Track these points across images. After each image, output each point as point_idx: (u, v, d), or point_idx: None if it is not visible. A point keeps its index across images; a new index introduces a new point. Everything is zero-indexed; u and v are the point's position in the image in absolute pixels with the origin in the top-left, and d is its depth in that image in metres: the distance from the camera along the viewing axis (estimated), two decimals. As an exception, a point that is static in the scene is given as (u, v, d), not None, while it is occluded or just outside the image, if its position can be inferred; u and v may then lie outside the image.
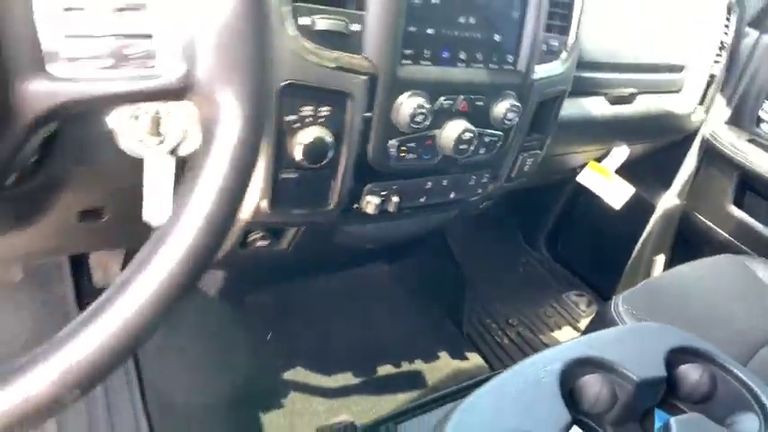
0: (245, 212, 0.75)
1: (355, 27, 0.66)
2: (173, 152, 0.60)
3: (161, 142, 0.58)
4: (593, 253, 1.70)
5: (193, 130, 0.60)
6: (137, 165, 0.61)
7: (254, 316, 1.22)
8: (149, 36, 0.32)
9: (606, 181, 1.30)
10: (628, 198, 1.30)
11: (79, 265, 1.16)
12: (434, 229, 1.08)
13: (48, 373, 0.28)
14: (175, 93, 0.33)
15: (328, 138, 0.68)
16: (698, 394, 0.69)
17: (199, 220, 0.34)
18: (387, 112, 0.72)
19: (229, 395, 1.03)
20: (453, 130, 0.77)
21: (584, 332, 1.16)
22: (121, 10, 0.31)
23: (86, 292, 1.15)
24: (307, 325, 1.27)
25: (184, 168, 0.59)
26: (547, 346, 1.48)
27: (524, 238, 1.87)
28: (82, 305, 1.15)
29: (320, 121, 0.67)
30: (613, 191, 1.30)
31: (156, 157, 0.58)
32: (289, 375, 1.16)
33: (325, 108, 0.67)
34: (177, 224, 0.34)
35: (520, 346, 1.52)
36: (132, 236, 0.82)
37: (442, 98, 0.76)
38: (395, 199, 0.81)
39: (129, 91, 0.32)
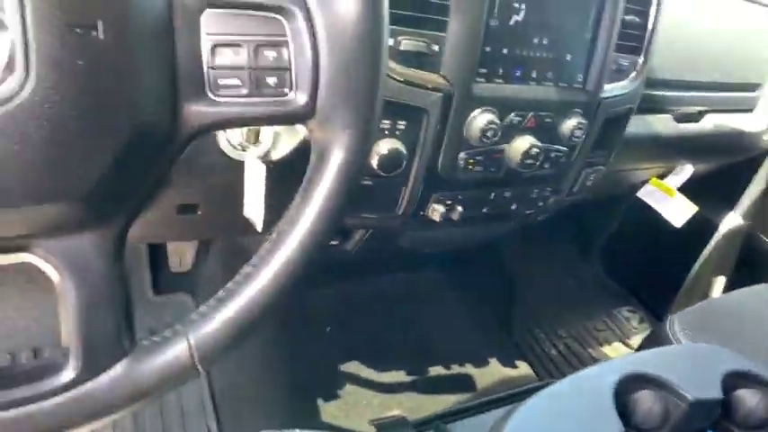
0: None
1: (435, 48, 0.70)
2: (265, 158, 0.67)
3: (258, 148, 0.64)
4: (648, 270, 1.68)
5: (284, 140, 0.66)
6: (229, 166, 0.68)
7: (315, 310, 1.28)
8: (287, 69, 0.37)
9: (668, 198, 1.29)
10: (689, 216, 1.29)
11: (156, 252, 1.26)
12: (492, 238, 1.11)
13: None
14: (299, 118, 0.39)
15: (403, 149, 0.73)
16: (754, 420, 0.69)
17: (313, 226, 0.39)
18: (459, 126, 0.76)
19: (290, 383, 1.10)
20: (521, 146, 0.80)
21: (638, 349, 1.16)
22: (263, 46, 0.36)
23: (162, 277, 1.25)
24: (363, 322, 1.33)
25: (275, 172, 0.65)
26: (595, 360, 1.49)
27: (578, 252, 1.86)
28: (157, 288, 1.25)
29: (396, 133, 0.72)
30: (675, 209, 1.29)
31: (254, 161, 0.65)
32: (345, 368, 1.21)
33: (401, 122, 0.72)
34: (296, 226, 0.39)
35: (568, 359, 1.53)
36: (221, 228, 0.91)
37: (513, 114, 0.79)
38: (459, 208, 0.85)
39: (266, 115, 0.38)
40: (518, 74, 0.78)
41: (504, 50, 0.75)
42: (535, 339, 1.54)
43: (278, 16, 0.37)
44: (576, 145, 0.88)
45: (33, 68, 0.29)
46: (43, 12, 0.29)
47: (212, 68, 0.36)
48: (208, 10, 0.36)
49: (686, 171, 1.30)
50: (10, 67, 0.29)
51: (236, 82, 0.37)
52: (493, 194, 0.89)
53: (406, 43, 0.68)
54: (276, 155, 0.67)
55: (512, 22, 0.74)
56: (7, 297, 1.05)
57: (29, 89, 0.29)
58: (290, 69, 0.38)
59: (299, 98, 0.38)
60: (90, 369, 0.35)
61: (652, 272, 1.66)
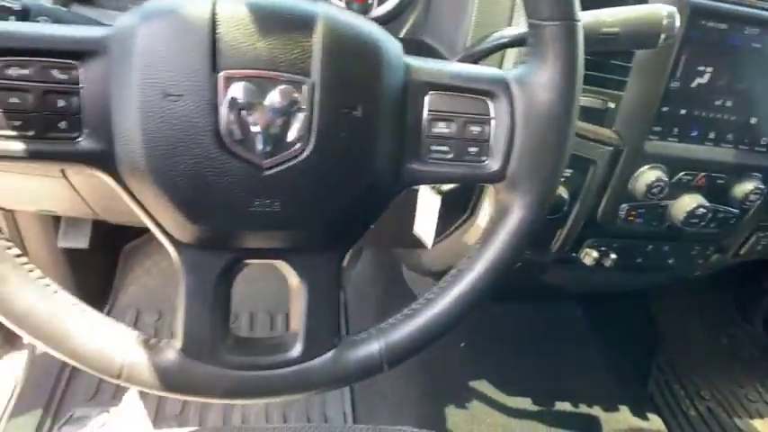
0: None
1: (611, 105, 0.73)
2: (436, 188, 0.76)
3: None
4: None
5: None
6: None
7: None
8: (487, 141, 0.45)
9: None
10: None
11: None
12: (642, 287, 1.10)
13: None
14: (489, 180, 0.47)
15: (565, 195, 0.77)
16: None
17: (487, 271, 0.47)
18: (625, 179, 0.78)
19: (421, 388, 1.19)
20: (687, 204, 0.80)
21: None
22: (470, 122, 0.45)
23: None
24: (496, 344, 1.38)
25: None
26: (742, 431, 1.37)
27: (737, 309, 1.71)
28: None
29: (562, 180, 0.77)
30: None
31: (428, 190, 0.74)
32: (474, 384, 1.28)
33: (568, 170, 0.77)
34: (474, 268, 0.47)
35: (708, 424, 1.42)
36: (389, 241, 1.02)
37: (683, 173, 0.79)
38: (613, 256, 0.87)
39: (464, 176, 0.46)
40: (694, 134, 0.78)
41: (683, 111, 0.76)
42: (673, 395, 1.46)
43: (485, 99, 0.45)
44: (749, 208, 0.85)
45: (313, 137, 0.41)
46: (325, 99, 0.40)
47: (428, 137, 0.45)
48: (431, 92, 0.45)
49: None
50: (299, 136, 0.40)
51: (444, 149, 0.46)
52: (650, 246, 0.89)
53: (584, 100, 0.72)
54: (446, 187, 0.76)
55: (694, 85, 0.75)
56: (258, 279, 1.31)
57: (308, 151, 0.41)
58: (489, 141, 0.46)
59: (493, 165, 0.46)
60: (310, 352, 0.46)
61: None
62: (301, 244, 0.45)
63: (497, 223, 0.48)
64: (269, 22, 0.40)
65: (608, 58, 0.72)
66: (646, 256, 0.90)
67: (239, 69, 0.39)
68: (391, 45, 0.44)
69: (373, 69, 0.42)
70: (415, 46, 0.80)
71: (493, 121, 0.45)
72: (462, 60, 0.62)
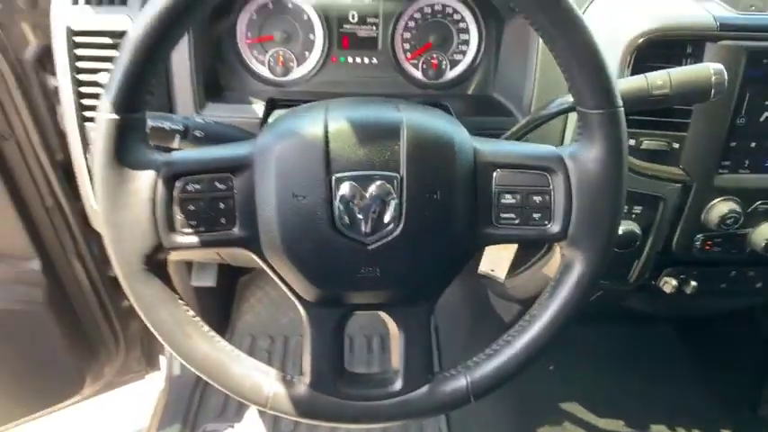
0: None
1: (675, 145, 0.78)
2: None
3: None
4: None
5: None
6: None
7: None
8: (548, 208, 0.54)
9: None
10: None
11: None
12: (735, 309, 1.10)
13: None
14: (553, 240, 0.55)
15: (637, 230, 0.83)
16: None
17: (556, 317, 0.56)
18: (697, 213, 0.82)
19: (512, 407, 1.25)
20: (767, 232, 0.82)
21: None
22: (533, 193, 0.54)
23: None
24: (586, 365, 1.41)
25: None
26: None
27: None
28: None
29: (632, 216, 0.83)
30: None
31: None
32: (564, 404, 1.32)
33: (638, 207, 0.82)
34: (544, 315, 0.56)
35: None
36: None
37: (759, 202, 0.82)
38: (693, 283, 0.90)
39: (529, 238, 0.56)
40: None
41: (753, 144, 0.79)
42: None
43: (545, 173, 0.54)
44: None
45: (403, 218, 0.52)
46: (411, 188, 0.52)
47: (497, 207, 0.55)
48: (498, 170, 0.55)
49: None
50: (392, 218, 0.52)
51: (512, 215, 0.55)
52: (734, 272, 0.91)
53: (647, 143, 0.78)
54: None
55: (762, 119, 0.78)
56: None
57: (400, 230, 0.52)
58: (550, 208, 0.55)
59: (555, 227, 0.55)
60: (408, 387, 0.57)
61: None
62: (398, 299, 0.56)
63: (563, 276, 0.57)
64: (366, 133, 0.52)
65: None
66: (730, 281, 0.92)
67: (346, 172, 0.51)
68: (461, 135, 0.55)
69: (448, 159, 0.53)
70: (485, 102, 0.90)
71: (553, 191, 0.54)
72: (530, 122, 0.71)
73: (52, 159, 1.06)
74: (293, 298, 0.56)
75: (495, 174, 0.55)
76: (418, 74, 0.92)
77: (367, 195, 0.51)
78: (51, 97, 1.01)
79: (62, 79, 0.78)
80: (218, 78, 0.89)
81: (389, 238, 0.52)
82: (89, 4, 0.76)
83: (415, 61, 0.91)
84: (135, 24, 0.46)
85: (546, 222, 0.55)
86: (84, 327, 1.28)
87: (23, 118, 1.00)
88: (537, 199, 0.55)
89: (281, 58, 0.89)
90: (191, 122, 0.64)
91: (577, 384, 1.37)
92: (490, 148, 0.56)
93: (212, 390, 1.44)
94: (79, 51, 0.77)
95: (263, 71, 0.90)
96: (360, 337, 1.52)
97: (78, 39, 0.77)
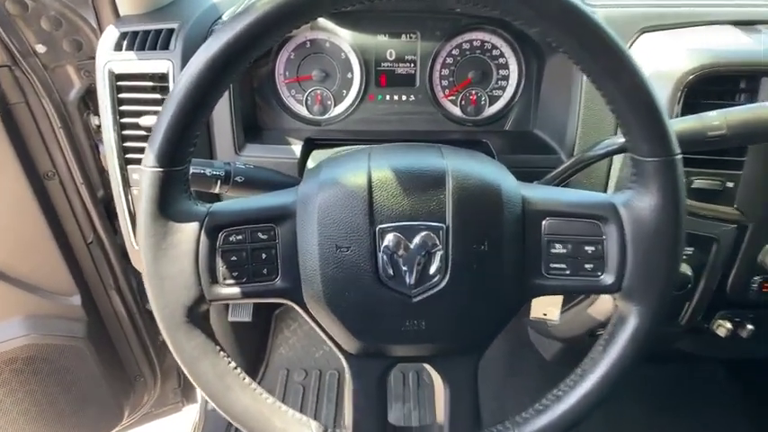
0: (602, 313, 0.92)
1: (730, 184, 0.75)
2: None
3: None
4: None
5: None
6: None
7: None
8: (601, 258, 0.52)
9: None
10: None
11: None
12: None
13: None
14: (605, 291, 0.53)
15: (689, 272, 0.79)
16: None
17: (609, 371, 0.53)
18: (753, 254, 0.78)
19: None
20: (830, 273, 0.77)
21: None
22: (584, 243, 0.52)
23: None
24: (638, 405, 1.34)
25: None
26: None
27: None
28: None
29: (684, 258, 0.79)
30: None
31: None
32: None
33: (689, 248, 0.78)
34: (596, 369, 0.53)
35: None
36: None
37: (820, 242, 0.77)
38: (749, 326, 0.85)
39: (581, 288, 0.53)
40: (830, 203, 0.76)
41: (813, 181, 0.75)
42: None
43: (597, 222, 0.52)
44: None
45: (449, 270, 0.50)
46: (457, 239, 0.50)
47: (547, 256, 0.53)
48: (547, 218, 0.53)
49: None
50: (438, 269, 0.50)
51: (562, 266, 0.53)
52: (793, 314, 0.86)
53: (699, 182, 0.74)
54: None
55: (823, 155, 0.74)
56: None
57: (446, 282, 0.50)
58: (603, 258, 0.52)
59: (608, 279, 0.52)
60: None
61: None
62: (443, 352, 0.54)
63: (616, 330, 0.54)
64: (410, 182, 0.51)
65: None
66: (789, 324, 0.87)
67: (390, 222, 0.50)
68: (509, 182, 0.53)
69: (495, 208, 0.51)
70: (526, 138, 0.88)
71: (605, 241, 0.52)
72: (576, 163, 0.68)
73: (93, 196, 1.08)
74: (335, 349, 0.55)
75: (544, 222, 0.53)
76: (456, 110, 0.90)
77: (412, 246, 0.50)
78: (93, 135, 1.04)
79: (105, 121, 0.80)
80: (257, 118, 0.90)
81: (435, 291, 0.51)
82: (132, 50, 0.78)
83: (454, 97, 0.90)
84: (180, 79, 0.47)
85: (598, 273, 0.53)
86: (122, 359, 1.29)
87: (67, 156, 1.02)
88: (589, 249, 0.52)
89: (319, 97, 0.89)
90: (231, 168, 0.64)
91: (630, 423, 1.31)
92: (539, 195, 0.54)
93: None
94: (122, 95, 0.79)
95: (301, 110, 0.90)
96: (395, 371, 1.49)
97: (121, 83, 0.78)
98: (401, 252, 0.50)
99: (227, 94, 0.79)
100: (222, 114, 0.80)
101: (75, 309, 1.14)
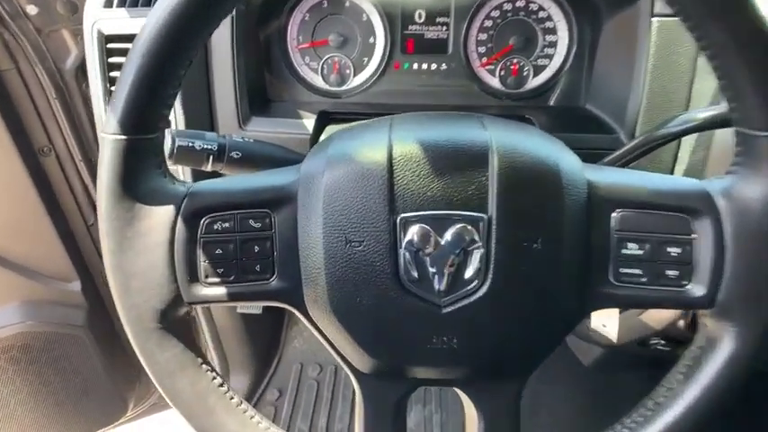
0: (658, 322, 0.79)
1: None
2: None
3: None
4: None
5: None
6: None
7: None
8: (689, 263, 0.40)
9: None
10: None
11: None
12: None
13: None
14: (693, 306, 0.41)
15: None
16: None
17: (695, 406, 0.41)
18: None
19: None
20: None
21: None
22: (667, 243, 0.40)
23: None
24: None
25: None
26: None
27: None
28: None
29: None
30: None
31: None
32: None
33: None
34: (677, 402, 0.41)
35: None
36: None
37: None
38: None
39: (663, 301, 0.41)
40: None
41: None
42: None
43: (685, 216, 0.40)
44: None
45: (490, 273, 0.39)
46: (503, 234, 0.38)
47: (617, 259, 0.41)
48: (618, 210, 0.41)
49: None
50: (476, 272, 0.39)
51: (637, 272, 0.41)
52: None
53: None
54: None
55: None
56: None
57: (486, 288, 0.39)
58: (691, 263, 0.40)
59: (697, 290, 0.40)
60: None
61: None
62: (478, 376, 0.43)
63: (705, 355, 0.42)
64: (442, 160, 0.39)
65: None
66: None
67: (416, 211, 0.39)
68: (571, 163, 0.41)
69: (553, 196, 0.39)
70: (576, 115, 0.75)
71: (695, 241, 0.40)
72: (643, 144, 0.57)
73: (93, 174, 0.99)
74: (344, 367, 0.44)
75: (614, 215, 0.41)
76: (494, 81, 0.78)
77: (443, 242, 0.39)
78: (91, 108, 0.95)
79: (94, 89, 0.70)
80: (265, 89, 0.79)
81: (471, 300, 0.39)
82: (123, 6, 0.68)
83: (492, 67, 0.78)
84: (147, 23, 0.36)
85: (684, 283, 0.41)
86: (126, 348, 1.21)
87: (64, 130, 0.94)
88: (673, 251, 0.40)
89: (337, 65, 0.78)
90: (227, 141, 0.53)
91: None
92: (609, 179, 0.42)
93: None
94: (112, 59, 0.69)
95: (316, 80, 0.79)
96: (415, 397, 1.37)
97: (111, 45, 0.68)
98: (429, 249, 0.39)
99: (229, 58, 0.69)
100: (224, 82, 0.69)
101: (75, 295, 1.06)
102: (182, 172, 0.73)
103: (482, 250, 0.39)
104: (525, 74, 0.78)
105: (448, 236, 0.39)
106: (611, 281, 0.41)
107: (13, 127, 0.90)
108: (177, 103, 0.68)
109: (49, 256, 1.02)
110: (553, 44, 0.76)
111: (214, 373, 0.44)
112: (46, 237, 1.00)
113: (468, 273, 0.39)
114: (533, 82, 0.78)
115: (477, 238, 0.39)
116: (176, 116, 0.68)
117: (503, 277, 0.39)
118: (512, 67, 0.77)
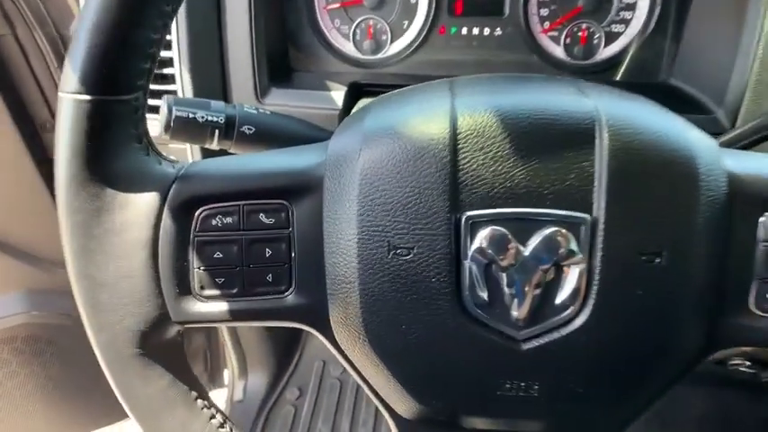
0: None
1: None
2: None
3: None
4: None
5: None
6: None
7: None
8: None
9: None
10: None
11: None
12: None
13: None
14: None
15: None
16: None
17: None
18: None
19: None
20: None
21: None
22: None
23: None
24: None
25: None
26: None
27: None
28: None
29: None
30: None
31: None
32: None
33: None
34: None
35: None
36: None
37: None
38: None
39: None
40: None
41: None
42: None
43: None
44: None
45: (592, 297, 0.28)
46: (613, 244, 0.27)
47: (763, 281, 0.29)
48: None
49: None
50: (572, 295, 0.28)
51: None
52: None
53: None
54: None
55: None
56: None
57: (584, 318, 0.28)
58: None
59: None
60: None
61: None
62: (565, 431, 0.32)
63: None
64: (527, 137, 0.28)
65: None
66: None
67: (487, 208, 0.28)
68: (707, 147, 0.30)
69: (685, 191, 0.28)
70: (660, 91, 0.63)
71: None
72: (755, 130, 0.44)
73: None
74: (381, 407, 0.34)
75: (762, 220, 0.29)
76: (558, 50, 0.66)
77: (526, 253, 0.28)
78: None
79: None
80: (288, 56, 0.68)
81: (562, 333, 0.28)
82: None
83: (555, 33, 0.65)
84: None
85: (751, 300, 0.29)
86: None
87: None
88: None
89: (372, 30, 0.67)
90: (237, 112, 0.43)
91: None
92: (756, 170, 0.30)
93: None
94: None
95: (348, 47, 0.68)
96: None
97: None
98: (505, 262, 0.28)
99: (246, 20, 0.58)
100: (240, 47, 0.59)
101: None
102: (190, 153, 0.64)
103: (582, 265, 0.28)
104: (596, 42, 0.65)
105: (533, 244, 0.28)
106: (753, 310, 0.30)
107: (11, 99, 0.81)
108: (184, 70, 0.58)
109: (54, 241, 0.94)
110: (631, 6, 0.64)
111: (213, 410, 0.34)
112: (50, 221, 0.92)
113: (561, 296, 0.28)
114: (605, 52, 0.65)
115: (575, 247, 0.28)
116: (183, 85, 0.58)
117: (609, 304, 0.28)
118: (579, 33, 0.65)
